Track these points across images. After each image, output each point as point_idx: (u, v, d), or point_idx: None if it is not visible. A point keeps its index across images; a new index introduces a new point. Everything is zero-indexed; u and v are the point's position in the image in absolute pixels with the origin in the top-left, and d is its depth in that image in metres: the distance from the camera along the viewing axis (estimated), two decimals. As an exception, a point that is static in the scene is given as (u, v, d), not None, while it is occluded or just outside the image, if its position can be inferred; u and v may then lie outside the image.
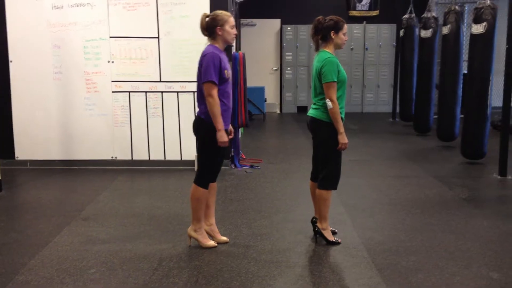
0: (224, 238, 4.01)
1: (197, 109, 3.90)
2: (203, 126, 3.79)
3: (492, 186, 5.83)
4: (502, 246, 3.97)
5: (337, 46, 3.90)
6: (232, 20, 3.75)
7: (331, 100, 3.74)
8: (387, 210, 4.86)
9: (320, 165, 3.96)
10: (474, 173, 6.47)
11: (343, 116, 3.84)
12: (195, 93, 4.00)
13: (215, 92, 3.66)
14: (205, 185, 3.86)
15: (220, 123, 3.66)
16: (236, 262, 3.65)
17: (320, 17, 3.89)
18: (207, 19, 3.76)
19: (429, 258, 3.71)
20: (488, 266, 3.58)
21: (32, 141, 6.61)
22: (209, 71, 3.65)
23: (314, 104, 3.94)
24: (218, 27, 3.71)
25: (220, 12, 3.75)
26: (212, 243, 3.93)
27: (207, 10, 6.37)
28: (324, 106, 3.81)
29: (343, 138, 3.79)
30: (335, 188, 3.95)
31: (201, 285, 3.29)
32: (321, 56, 3.85)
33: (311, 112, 3.95)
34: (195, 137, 3.94)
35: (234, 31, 3.77)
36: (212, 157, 3.83)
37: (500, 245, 3.98)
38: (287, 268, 3.57)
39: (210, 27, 3.74)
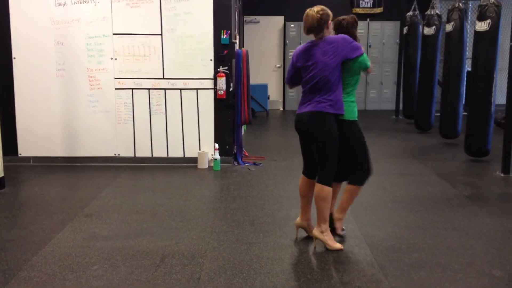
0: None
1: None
2: (326, 120, 3.72)
3: (496, 184, 5.82)
4: (505, 243, 3.96)
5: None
6: None
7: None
8: (390, 207, 4.86)
9: (351, 163, 3.95)
10: (478, 170, 6.45)
11: (356, 110, 3.88)
12: (315, 85, 3.72)
13: None
14: (330, 183, 3.78)
15: None
16: (238, 259, 3.65)
17: (340, 18, 3.89)
18: (319, 14, 3.71)
19: (432, 255, 3.71)
20: (490, 264, 3.58)
21: (35, 138, 6.62)
22: (356, 45, 3.74)
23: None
24: (329, 22, 3.75)
25: (324, 7, 3.77)
26: (339, 245, 3.82)
27: (210, 7, 6.38)
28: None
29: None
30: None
31: (204, 282, 3.30)
32: None
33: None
34: (308, 136, 3.85)
35: None
36: (335, 151, 3.76)
37: (503, 243, 3.97)
38: (290, 266, 3.57)
39: (323, 23, 3.72)
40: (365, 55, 3.83)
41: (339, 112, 3.75)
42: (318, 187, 3.77)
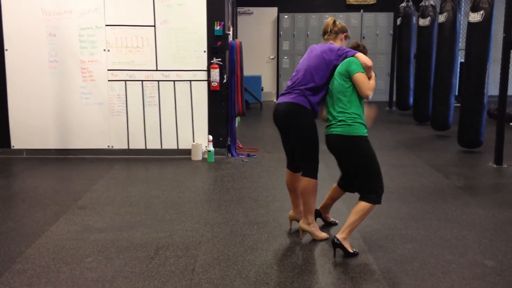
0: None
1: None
2: (306, 115, 3.72)
3: (488, 175, 5.85)
4: (497, 234, 3.99)
5: None
6: None
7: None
8: (384, 198, 4.82)
9: (358, 181, 3.65)
10: (470, 162, 6.48)
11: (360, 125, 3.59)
12: (300, 78, 3.73)
13: None
14: (315, 176, 3.78)
15: None
16: (233, 251, 3.66)
17: (358, 42, 3.90)
18: (337, 21, 3.93)
19: (425, 246, 3.73)
20: (483, 254, 3.60)
21: (28, 130, 6.59)
22: (344, 53, 3.77)
23: (336, 119, 3.60)
24: (346, 34, 3.91)
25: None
26: (324, 234, 3.88)
27: (203, -1, 6.37)
28: (350, 118, 3.56)
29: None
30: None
31: (198, 273, 3.31)
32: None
33: (336, 130, 3.59)
34: (284, 129, 3.84)
35: None
36: (315, 144, 3.77)
37: (495, 233, 4.00)
38: (284, 257, 3.58)
39: (336, 30, 3.88)
40: (354, 59, 3.61)
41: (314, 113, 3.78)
42: (304, 180, 3.78)
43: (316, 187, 3.79)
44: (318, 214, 4.12)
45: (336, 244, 3.53)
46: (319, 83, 3.70)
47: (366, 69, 3.61)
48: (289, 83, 3.85)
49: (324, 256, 3.59)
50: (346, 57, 3.67)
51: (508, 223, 4.23)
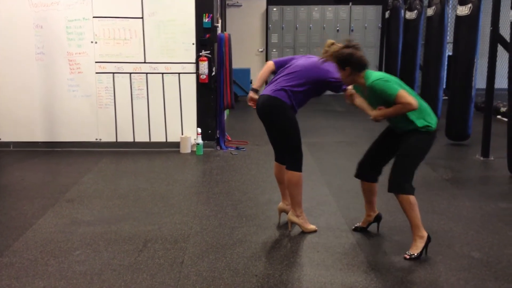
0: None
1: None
2: (283, 109, 3.71)
3: (475, 167, 5.90)
4: (484, 226, 4.03)
5: None
6: None
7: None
8: (372, 191, 4.89)
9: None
10: (458, 154, 6.53)
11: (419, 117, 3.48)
12: (288, 73, 3.74)
13: None
14: (300, 168, 3.78)
15: None
16: (221, 243, 3.66)
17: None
18: (335, 45, 3.61)
19: (412, 238, 3.75)
20: (470, 246, 3.64)
21: (15, 122, 6.53)
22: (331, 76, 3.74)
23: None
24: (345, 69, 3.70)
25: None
26: (313, 227, 3.88)
27: (192, -10, 6.33)
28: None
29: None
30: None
31: (187, 266, 3.31)
32: None
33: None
34: (265, 122, 3.84)
35: None
36: (297, 137, 3.76)
37: (481, 225, 4.04)
38: (273, 249, 3.59)
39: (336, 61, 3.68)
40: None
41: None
42: (288, 173, 3.78)
43: (301, 179, 3.79)
44: (377, 219, 3.92)
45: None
46: (305, 83, 3.71)
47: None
48: (275, 76, 3.86)
49: (313, 248, 3.60)
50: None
51: (495, 215, 4.27)
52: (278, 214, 4.11)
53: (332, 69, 3.65)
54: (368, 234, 3.84)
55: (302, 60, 3.83)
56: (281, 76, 3.79)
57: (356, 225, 3.94)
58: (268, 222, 4.08)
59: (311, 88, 3.76)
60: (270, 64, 3.96)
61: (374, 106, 3.48)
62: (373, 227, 3.93)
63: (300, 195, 3.83)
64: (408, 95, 3.31)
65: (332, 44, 3.50)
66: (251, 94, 3.96)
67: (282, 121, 3.73)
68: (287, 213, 4.05)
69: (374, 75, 3.40)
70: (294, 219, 3.86)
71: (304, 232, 3.86)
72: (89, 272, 3.22)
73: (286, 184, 3.88)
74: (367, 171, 3.79)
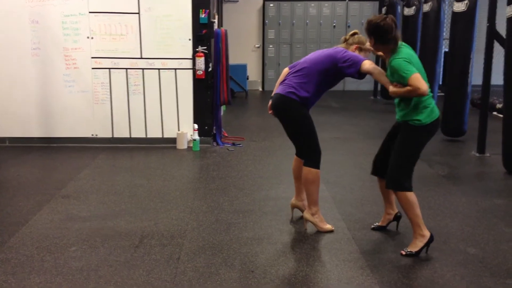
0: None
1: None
2: (294, 107, 3.74)
3: (471, 164, 5.92)
4: (479, 222, 4.04)
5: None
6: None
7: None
8: (368, 186, 4.91)
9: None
10: (454, 150, 6.54)
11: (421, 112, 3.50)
12: (298, 71, 3.77)
13: None
14: (317, 165, 3.75)
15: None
16: (218, 239, 3.66)
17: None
18: (356, 35, 3.85)
19: (408, 234, 3.75)
20: (465, 242, 3.65)
21: (10, 118, 6.50)
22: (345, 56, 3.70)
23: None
24: (358, 46, 3.81)
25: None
26: (329, 226, 3.82)
27: (188, -14, 6.30)
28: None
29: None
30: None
31: (183, 262, 3.31)
32: None
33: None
34: (280, 120, 3.86)
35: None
36: (311, 133, 3.77)
37: (477, 221, 4.05)
38: (269, 245, 3.59)
39: (354, 43, 3.81)
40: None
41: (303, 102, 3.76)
42: (305, 170, 3.76)
43: (318, 177, 3.76)
44: (397, 217, 3.87)
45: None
46: (312, 77, 3.70)
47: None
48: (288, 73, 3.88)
49: (309, 244, 3.61)
50: (351, 60, 3.60)
51: (490, 211, 4.29)
52: (291, 210, 4.10)
53: (339, 54, 3.65)
54: (365, 230, 3.84)
55: (309, 56, 3.84)
56: (291, 75, 3.81)
57: (374, 225, 3.89)
58: (264, 218, 4.08)
59: (321, 80, 3.73)
60: (286, 70, 3.95)
61: (391, 81, 3.51)
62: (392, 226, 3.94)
63: (317, 193, 3.78)
64: (420, 80, 3.34)
65: (355, 33, 3.76)
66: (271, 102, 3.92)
67: (294, 119, 3.76)
68: (299, 209, 4.03)
69: (403, 52, 3.49)
70: (309, 217, 3.82)
71: (301, 228, 3.86)
72: (85, 268, 3.21)
73: (302, 181, 3.84)
74: (381, 167, 3.74)
